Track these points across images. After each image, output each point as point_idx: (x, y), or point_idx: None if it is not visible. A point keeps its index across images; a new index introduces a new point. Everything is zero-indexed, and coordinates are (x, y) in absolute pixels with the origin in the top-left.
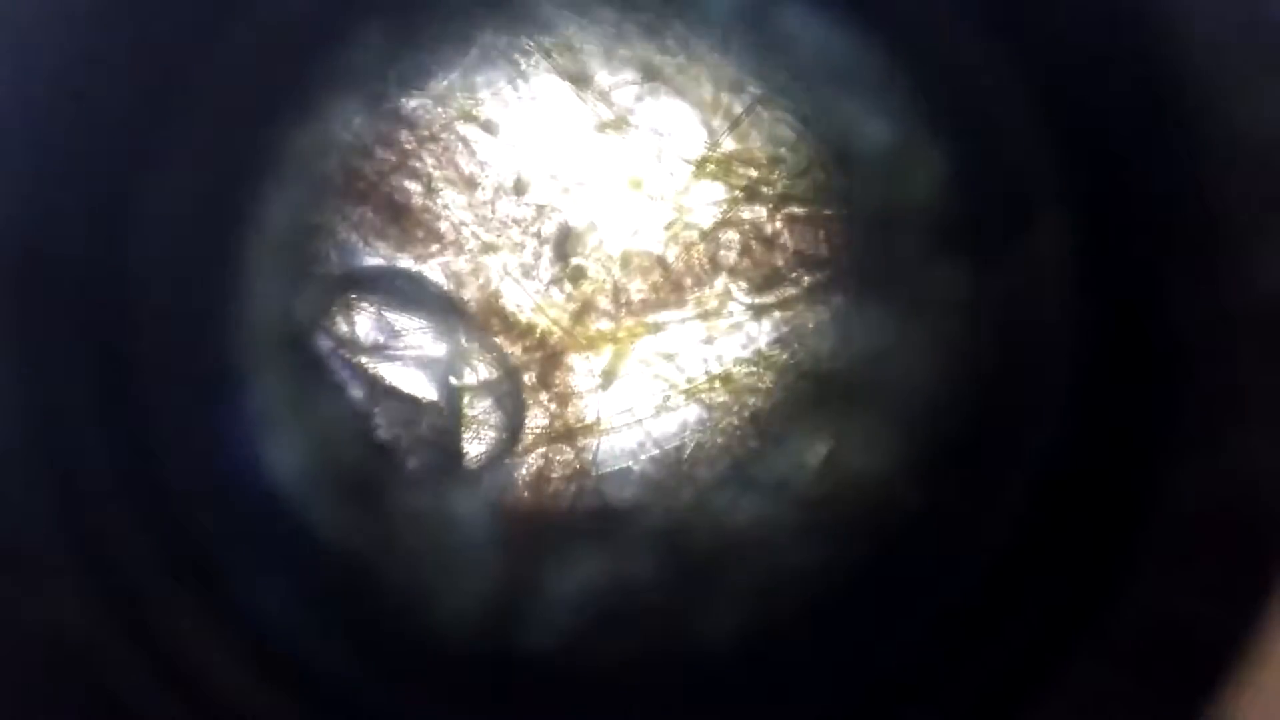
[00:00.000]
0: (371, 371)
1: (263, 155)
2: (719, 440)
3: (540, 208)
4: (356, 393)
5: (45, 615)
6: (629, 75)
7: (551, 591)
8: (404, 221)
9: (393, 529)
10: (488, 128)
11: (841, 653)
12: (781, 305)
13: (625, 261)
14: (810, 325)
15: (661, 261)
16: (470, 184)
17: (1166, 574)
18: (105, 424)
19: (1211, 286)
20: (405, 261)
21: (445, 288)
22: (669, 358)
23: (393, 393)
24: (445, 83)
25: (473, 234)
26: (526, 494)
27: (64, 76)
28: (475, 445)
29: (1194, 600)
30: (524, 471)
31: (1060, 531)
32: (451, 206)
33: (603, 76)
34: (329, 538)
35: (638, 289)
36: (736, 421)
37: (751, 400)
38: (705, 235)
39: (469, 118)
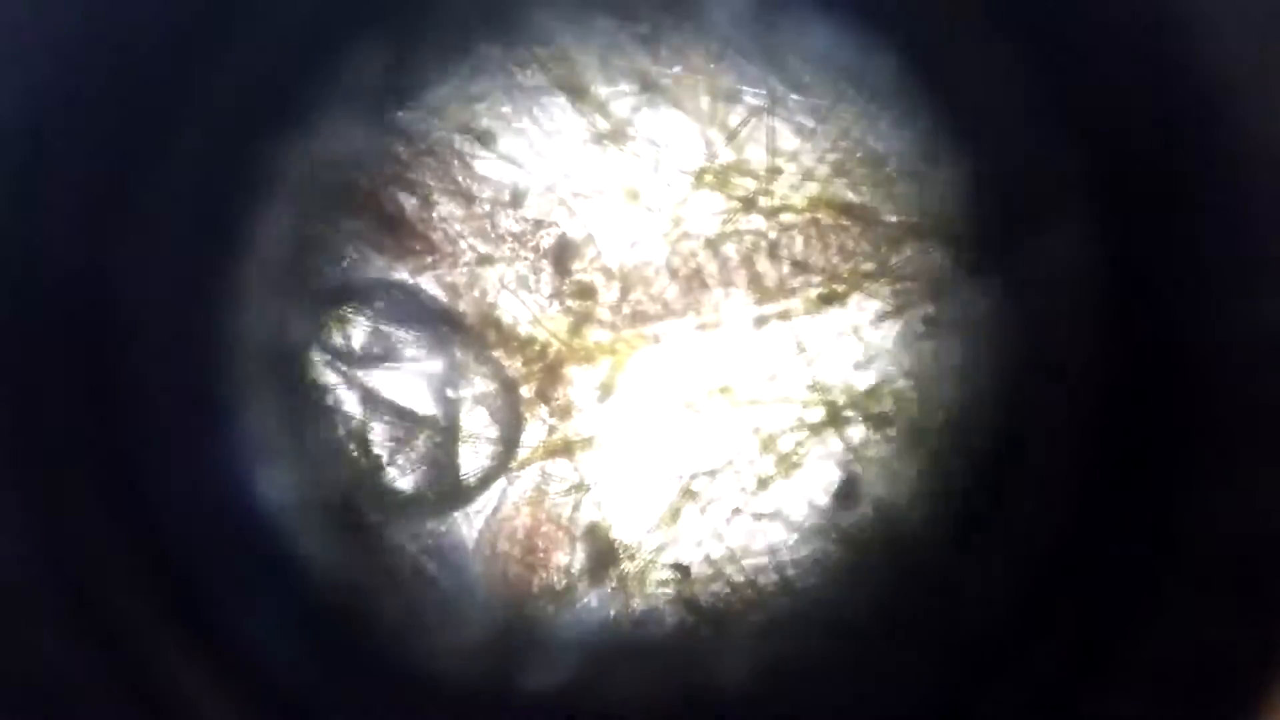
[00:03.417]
0: (366, 387)
1: (257, 172)
2: (725, 461)
3: (537, 219)
4: (350, 413)
5: (29, 650)
6: (626, 86)
7: (552, 627)
8: (400, 233)
9: (387, 559)
10: (484, 140)
11: (861, 692)
12: (782, 317)
13: (624, 273)
14: (815, 341)
15: (660, 272)
16: (467, 196)
17: (1198, 602)
18: (92, 454)
19: (1240, 307)
20: (401, 274)
21: (441, 300)
22: (669, 370)
23: (388, 408)
24: (442, 94)
25: (469, 246)
26: (524, 510)
27: (52, 96)
28: (472, 460)
29: (1226, 628)
30: (521, 487)
31: (1089, 560)
32: (448, 218)
33: (600, 88)
34: (322, 569)
35: (636, 300)
36: (743, 441)
37: (759, 418)
38: (704, 246)
39: (465, 129)
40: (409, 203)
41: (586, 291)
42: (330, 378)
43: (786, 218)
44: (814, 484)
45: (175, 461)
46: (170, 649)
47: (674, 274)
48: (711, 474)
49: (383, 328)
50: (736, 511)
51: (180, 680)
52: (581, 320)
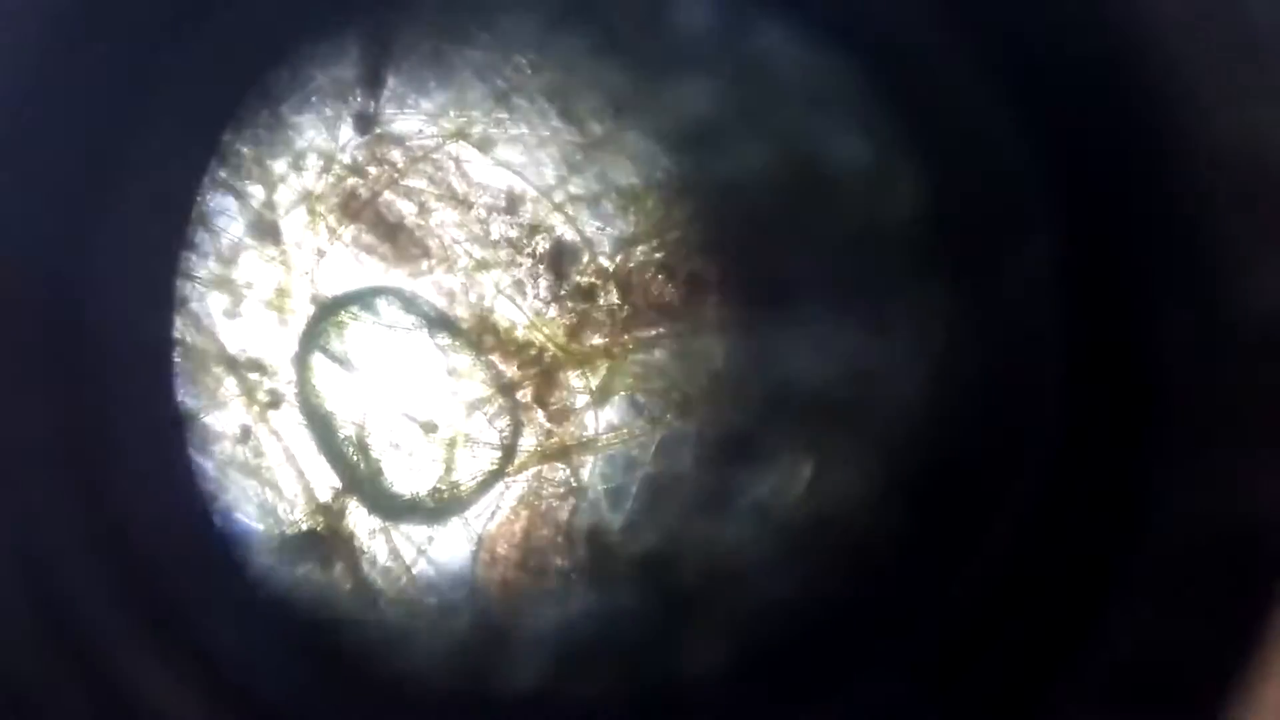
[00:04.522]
0: (363, 392)
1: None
2: (711, 458)
3: (533, 225)
4: (347, 418)
5: (3, 664)
6: (616, 93)
7: (534, 627)
8: (396, 239)
9: (372, 563)
10: (480, 146)
11: (828, 683)
12: (768, 321)
13: (619, 277)
14: (793, 343)
15: (654, 277)
16: (462, 202)
17: (1160, 599)
18: (69, 467)
19: (1202, 306)
20: (398, 279)
21: (438, 305)
22: (662, 373)
23: (385, 413)
24: (438, 102)
25: (465, 251)
26: (519, 514)
27: (18, 103)
28: (469, 464)
29: (1188, 625)
30: (517, 491)
31: (1051, 555)
32: (444, 224)
33: (591, 94)
34: (304, 574)
35: (631, 305)
36: (726, 440)
37: (740, 417)
38: (693, 251)
39: (461, 136)
40: (405, 209)
41: (582, 295)
42: (320, 390)
43: (758, 222)
44: (779, 479)
45: (154, 474)
46: (147, 661)
47: (667, 278)
48: (692, 469)
49: (379, 333)
50: (712, 505)
51: (158, 691)
52: (577, 324)
